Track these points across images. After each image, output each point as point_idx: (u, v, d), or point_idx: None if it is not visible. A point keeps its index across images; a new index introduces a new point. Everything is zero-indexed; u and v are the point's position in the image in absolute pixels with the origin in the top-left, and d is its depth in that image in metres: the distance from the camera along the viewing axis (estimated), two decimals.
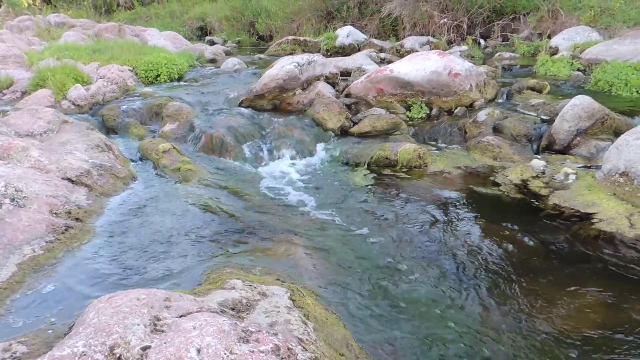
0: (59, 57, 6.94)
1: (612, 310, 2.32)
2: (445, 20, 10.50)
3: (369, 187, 3.97)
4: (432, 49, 8.02)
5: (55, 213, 3.00)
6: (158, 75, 7.22)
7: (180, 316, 1.76)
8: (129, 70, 7.04)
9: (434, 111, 5.53)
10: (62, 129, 4.46)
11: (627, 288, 2.47)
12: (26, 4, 17.37)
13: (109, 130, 5.31)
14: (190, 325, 1.65)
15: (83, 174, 3.54)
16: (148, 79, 7.15)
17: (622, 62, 6.07)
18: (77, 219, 3.05)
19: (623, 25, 8.13)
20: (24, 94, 6.02)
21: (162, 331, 1.64)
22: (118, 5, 20.15)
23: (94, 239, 2.89)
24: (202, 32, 16.93)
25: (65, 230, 2.86)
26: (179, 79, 7.50)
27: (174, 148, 4.42)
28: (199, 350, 1.51)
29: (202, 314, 1.77)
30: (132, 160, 4.48)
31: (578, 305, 2.38)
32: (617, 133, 4.05)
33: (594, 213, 3.23)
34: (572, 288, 2.51)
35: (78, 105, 5.71)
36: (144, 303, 1.77)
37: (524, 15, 10.21)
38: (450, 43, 10.16)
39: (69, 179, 3.43)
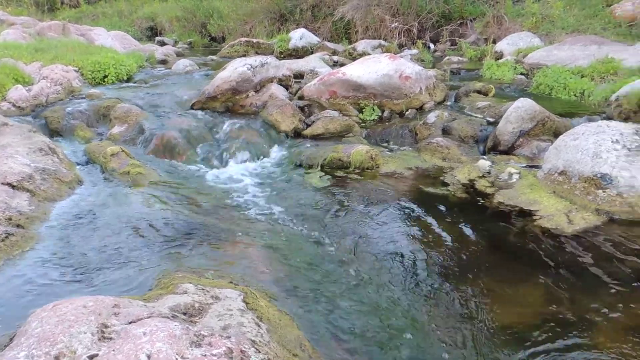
0: None
1: (551, 302, 2.45)
2: (396, 24, 10.73)
3: (323, 188, 4.01)
4: (384, 53, 8.18)
5: None
6: (106, 76, 6.99)
7: (130, 322, 1.72)
8: (75, 70, 6.78)
9: (386, 113, 5.64)
10: (1, 131, 4.25)
11: (565, 281, 2.61)
12: None
13: (53, 132, 5.10)
14: (140, 332, 1.62)
15: (25, 178, 3.39)
16: (95, 80, 6.91)
17: (561, 66, 6.41)
18: (18, 226, 2.92)
19: (562, 32, 8.58)
20: None
21: (111, 338, 1.60)
22: (62, 3, 19.39)
23: (37, 246, 2.77)
24: (152, 33, 16.55)
25: (6, 237, 2.73)
26: (128, 80, 7.29)
27: (123, 151, 4.30)
28: (149, 357, 1.48)
29: (152, 319, 1.74)
30: (79, 164, 4.32)
31: (521, 299, 2.49)
32: (557, 134, 4.27)
33: (536, 210, 3.40)
34: (515, 282, 2.63)
35: (19, 107, 5.46)
36: (91, 310, 1.72)
37: (471, 20, 10.60)
38: (401, 47, 10.39)
39: (10, 184, 3.27)
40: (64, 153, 4.31)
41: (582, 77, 5.97)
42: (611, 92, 4.97)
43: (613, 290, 2.51)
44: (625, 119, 4.39)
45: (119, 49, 9.60)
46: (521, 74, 7.11)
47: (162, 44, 13.85)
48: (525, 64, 7.40)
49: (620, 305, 2.38)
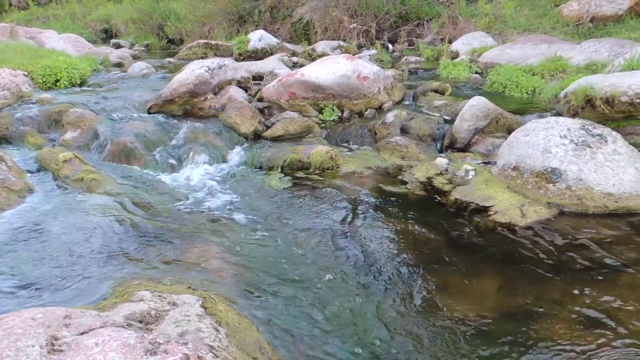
0: None
1: (507, 294, 2.53)
2: (355, 25, 10.82)
3: (283, 190, 4.00)
4: (343, 53, 8.23)
5: None
6: (57, 81, 6.75)
7: (82, 333, 1.67)
8: (24, 75, 6.52)
9: (345, 114, 5.67)
10: None
11: (519, 273, 2.70)
12: None
13: (2, 140, 4.89)
14: (92, 342, 1.57)
15: None
16: (46, 85, 6.66)
17: (514, 65, 6.62)
18: None
19: (514, 31, 8.85)
20: None
21: (61, 351, 1.55)
22: (10, 5, 18.65)
23: None
24: (107, 35, 16.14)
25: None
26: (82, 84, 7.06)
27: (76, 157, 4.17)
28: None
29: (105, 329, 1.69)
30: (30, 172, 4.16)
31: (478, 292, 2.56)
32: (510, 131, 4.40)
33: (491, 205, 3.49)
34: (472, 277, 2.69)
35: None
36: (40, 323, 1.67)
37: (427, 21, 10.80)
38: (360, 47, 10.48)
39: None
40: (13, 160, 4.14)
41: (533, 75, 6.18)
42: (560, 89, 5.15)
43: (564, 281, 2.60)
44: (574, 115, 4.57)
45: (72, 52, 9.31)
46: (476, 72, 7.30)
47: (118, 46, 13.52)
48: (480, 63, 7.60)
49: (571, 294, 2.48)
